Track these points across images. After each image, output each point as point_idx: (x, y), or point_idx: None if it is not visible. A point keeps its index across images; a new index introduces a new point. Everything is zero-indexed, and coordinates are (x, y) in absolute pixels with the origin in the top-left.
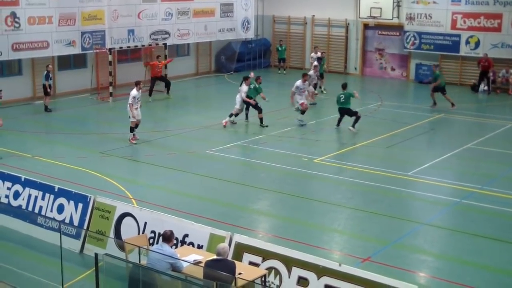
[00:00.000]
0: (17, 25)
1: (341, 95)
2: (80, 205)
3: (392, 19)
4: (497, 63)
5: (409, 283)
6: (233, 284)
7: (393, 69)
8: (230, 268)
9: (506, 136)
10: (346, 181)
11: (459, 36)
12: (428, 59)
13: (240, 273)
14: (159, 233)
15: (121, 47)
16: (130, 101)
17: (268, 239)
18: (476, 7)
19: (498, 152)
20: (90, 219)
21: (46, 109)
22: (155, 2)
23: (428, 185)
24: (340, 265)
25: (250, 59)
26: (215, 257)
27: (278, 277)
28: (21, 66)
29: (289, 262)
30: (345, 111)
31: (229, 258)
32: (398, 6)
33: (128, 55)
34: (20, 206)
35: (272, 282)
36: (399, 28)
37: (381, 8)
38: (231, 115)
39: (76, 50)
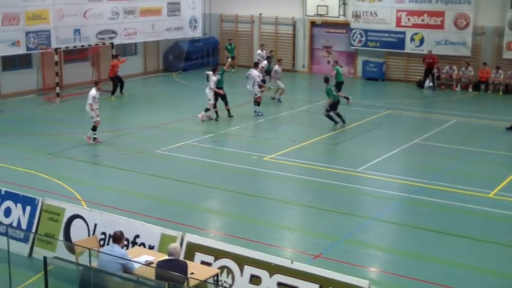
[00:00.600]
0: None
1: (331, 88)
2: (28, 208)
3: (338, 17)
4: (441, 59)
5: (361, 278)
6: (185, 284)
7: (340, 66)
8: (182, 268)
9: (451, 131)
10: (296, 178)
11: (404, 33)
12: (375, 56)
13: (192, 273)
14: (109, 235)
15: (67, 47)
16: (90, 101)
17: (219, 238)
18: (420, 5)
19: (444, 147)
20: (38, 222)
21: None
22: (101, 1)
23: (377, 181)
24: (292, 262)
25: (198, 57)
26: (166, 257)
27: (230, 276)
28: None
29: (241, 261)
30: (337, 103)
31: (181, 258)
32: (344, 4)
33: (74, 55)
34: None
35: (225, 281)
36: (345, 25)
37: (327, 6)
38: (206, 110)
39: (21, 50)
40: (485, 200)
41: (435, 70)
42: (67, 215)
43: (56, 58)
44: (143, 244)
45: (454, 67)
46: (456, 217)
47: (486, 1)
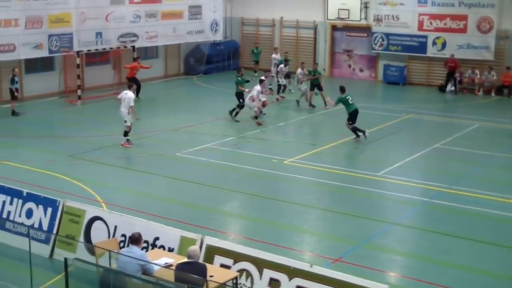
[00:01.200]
0: None
1: (347, 97)
2: (49, 210)
3: (360, 21)
4: (463, 63)
5: (380, 283)
6: (204, 286)
7: (361, 70)
8: (201, 270)
9: (473, 136)
10: (316, 182)
11: (426, 37)
12: (396, 60)
13: (211, 276)
14: (129, 237)
15: (89, 50)
16: (132, 103)
17: (239, 241)
18: (442, 9)
19: (465, 152)
20: (59, 224)
21: (13, 113)
22: (123, 4)
23: (397, 185)
24: (311, 266)
25: (219, 61)
26: (186, 260)
27: (249, 279)
28: None
29: (260, 264)
30: (354, 113)
31: (200, 260)
32: (366, 7)
33: (96, 58)
34: None
35: (244, 284)
36: (367, 29)
37: (349, 10)
38: (261, 112)
39: (44, 53)
40: (506, 205)
41: (457, 74)
42: (87, 217)
43: (78, 61)
44: (162, 247)
45: (477, 71)
46: (476, 223)
47: (510, 4)
